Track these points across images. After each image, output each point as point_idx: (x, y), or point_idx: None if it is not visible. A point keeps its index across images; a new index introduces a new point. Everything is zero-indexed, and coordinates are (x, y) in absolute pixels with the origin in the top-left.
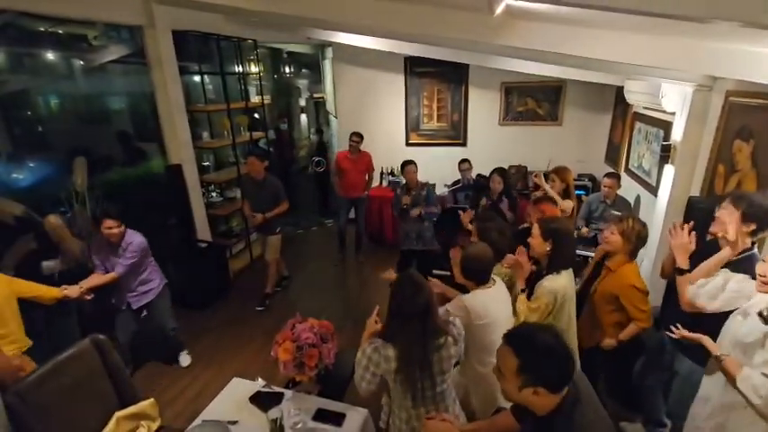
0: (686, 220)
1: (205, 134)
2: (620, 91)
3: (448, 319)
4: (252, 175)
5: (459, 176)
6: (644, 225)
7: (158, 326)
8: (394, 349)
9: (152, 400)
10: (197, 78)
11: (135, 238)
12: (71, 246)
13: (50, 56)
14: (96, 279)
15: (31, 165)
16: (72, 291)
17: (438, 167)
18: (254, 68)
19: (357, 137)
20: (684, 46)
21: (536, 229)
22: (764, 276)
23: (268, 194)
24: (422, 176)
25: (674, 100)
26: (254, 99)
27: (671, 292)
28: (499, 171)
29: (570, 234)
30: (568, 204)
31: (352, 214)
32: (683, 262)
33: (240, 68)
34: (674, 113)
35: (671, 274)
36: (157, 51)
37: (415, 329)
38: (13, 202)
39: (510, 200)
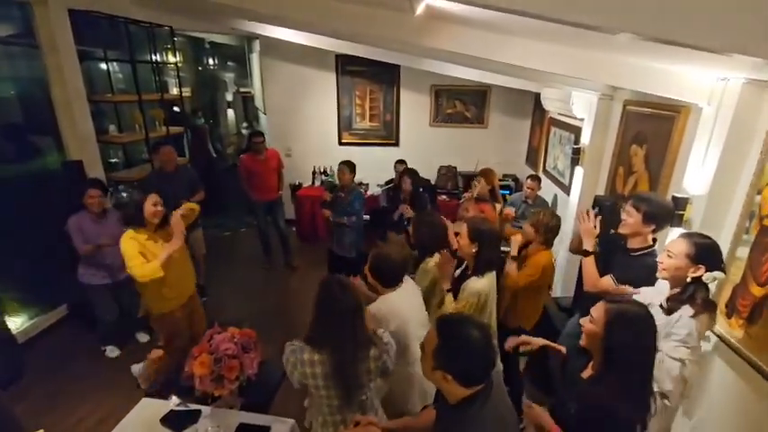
0: None
1: (112, 127)
2: (538, 97)
3: (375, 331)
4: (163, 169)
5: (393, 176)
6: (553, 216)
7: (128, 304)
8: (311, 353)
9: (41, 431)
10: (103, 66)
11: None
12: None
13: None
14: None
15: None
16: None
17: (371, 167)
18: (171, 58)
19: (260, 136)
20: (590, 57)
21: (464, 230)
22: (662, 263)
23: (183, 185)
24: (355, 176)
25: (583, 107)
26: (173, 91)
27: (582, 282)
28: (408, 172)
29: (496, 237)
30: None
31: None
32: (589, 245)
33: (155, 57)
34: (582, 119)
35: (578, 251)
36: (50, 32)
37: (346, 333)
38: None
39: (419, 199)
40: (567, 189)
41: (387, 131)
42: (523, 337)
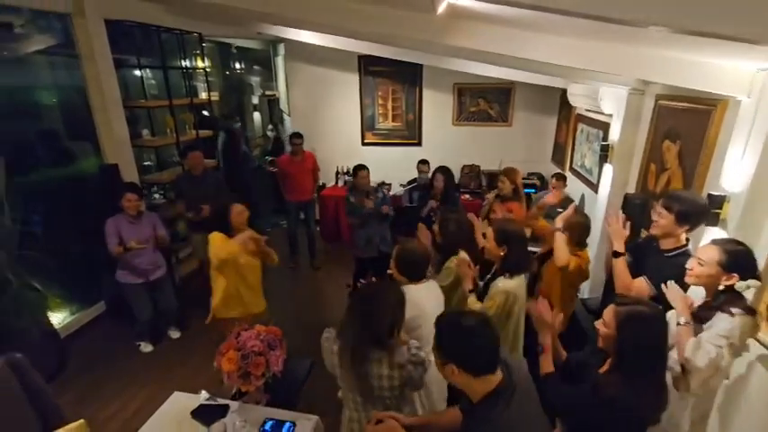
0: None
1: (145, 132)
2: (564, 93)
3: (407, 342)
4: (190, 171)
5: (415, 175)
6: (585, 217)
7: (167, 303)
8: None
9: (82, 421)
10: (137, 72)
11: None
12: None
13: None
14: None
15: None
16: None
17: (393, 167)
18: (200, 63)
19: (298, 138)
20: (620, 51)
21: (490, 233)
22: (691, 269)
23: (209, 189)
24: (378, 176)
25: (612, 102)
26: (202, 95)
27: (610, 284)
28: (441, 170)
29: (523, 239)
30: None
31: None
32: (619, 246)
33: (185, 63)
34: (611, 115)
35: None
36: (88, 42)
37: (360, 334)
38: None
39: (452, 198)
40: (595, 187)
41: (409, 131)
42: (556, 315)
